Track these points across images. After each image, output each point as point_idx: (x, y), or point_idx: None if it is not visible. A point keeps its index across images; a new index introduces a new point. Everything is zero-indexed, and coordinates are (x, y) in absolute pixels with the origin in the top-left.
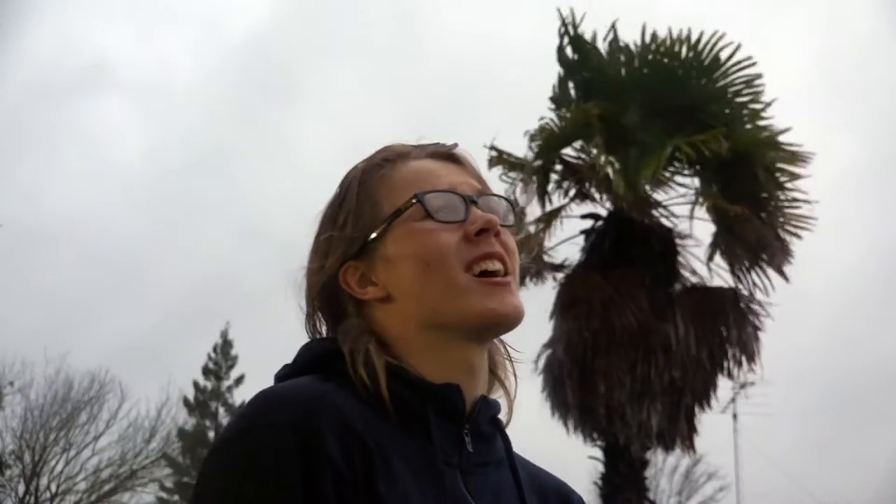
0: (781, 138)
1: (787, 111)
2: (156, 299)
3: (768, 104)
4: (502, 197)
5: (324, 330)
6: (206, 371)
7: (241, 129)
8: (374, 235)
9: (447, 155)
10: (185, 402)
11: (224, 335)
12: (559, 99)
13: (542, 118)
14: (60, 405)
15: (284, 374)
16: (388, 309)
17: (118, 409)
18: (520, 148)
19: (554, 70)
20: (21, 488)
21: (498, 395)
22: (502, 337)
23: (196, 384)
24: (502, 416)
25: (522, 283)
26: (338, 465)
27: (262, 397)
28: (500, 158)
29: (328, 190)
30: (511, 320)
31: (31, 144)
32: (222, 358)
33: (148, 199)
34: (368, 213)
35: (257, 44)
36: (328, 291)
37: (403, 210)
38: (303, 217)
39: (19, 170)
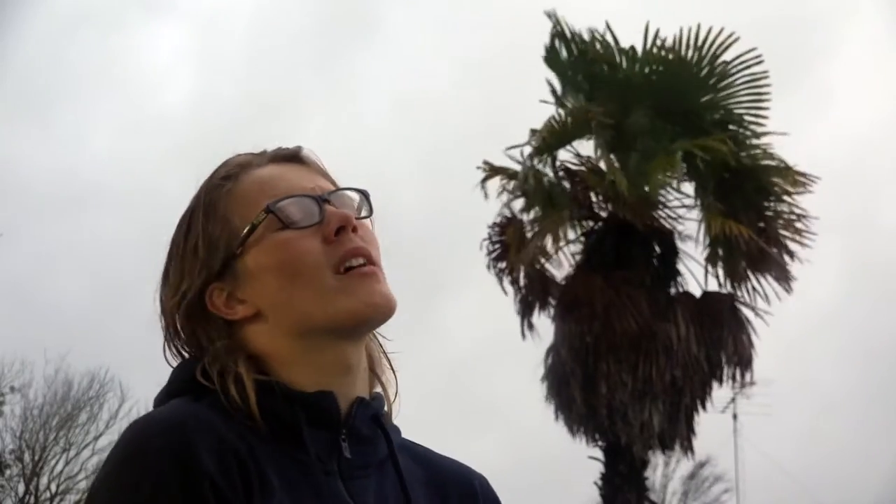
0: (782, 154)
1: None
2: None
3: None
4: (354, 189)
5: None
6: None
7: (308, 72)
8: (233, 254)
9: (290, 157)
10: None
11: None
12: (557, 99)
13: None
14: (60, 405)
15: (161, 399)
16: (259, 325)
17: (119, 409)
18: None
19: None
20: (21, 488)
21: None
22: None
23: None
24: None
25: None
26: (216, 479)
27: (134, 426)
28: (494, 170)
29: (391, 149)
30: (383, 310)
31: (71, 84)
32: None
33: (194, 154)
34: (222, 233)
35: None
36: (193, 317)
37: (257, 224)
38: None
39: (57, 116)
